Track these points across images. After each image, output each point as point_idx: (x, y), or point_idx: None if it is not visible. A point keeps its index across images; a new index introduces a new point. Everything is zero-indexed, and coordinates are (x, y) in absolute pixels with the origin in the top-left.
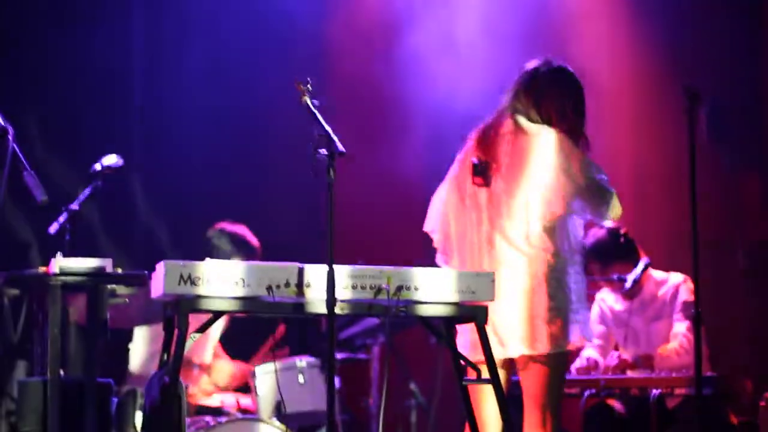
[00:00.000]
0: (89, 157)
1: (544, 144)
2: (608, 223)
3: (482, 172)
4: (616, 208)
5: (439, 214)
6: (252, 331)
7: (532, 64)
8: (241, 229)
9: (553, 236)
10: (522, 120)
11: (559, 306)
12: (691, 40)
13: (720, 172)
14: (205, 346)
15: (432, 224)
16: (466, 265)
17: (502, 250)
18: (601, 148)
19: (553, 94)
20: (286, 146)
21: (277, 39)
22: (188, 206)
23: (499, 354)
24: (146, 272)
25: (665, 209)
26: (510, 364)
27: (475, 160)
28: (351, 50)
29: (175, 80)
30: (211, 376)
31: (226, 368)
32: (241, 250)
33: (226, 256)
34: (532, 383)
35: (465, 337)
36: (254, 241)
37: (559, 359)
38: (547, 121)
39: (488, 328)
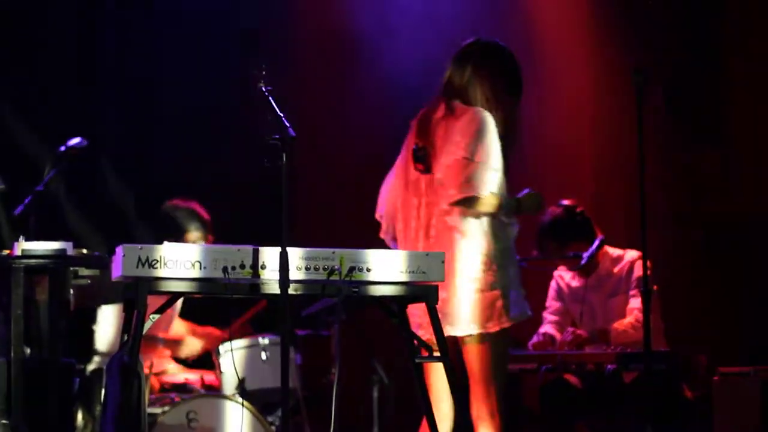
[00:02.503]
0: (61, 136)
1: (467, 124)
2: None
3: (422, 159)
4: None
5: (386, 202)
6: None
7: (464, 44)
8: (194, 204)
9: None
10: (456, 103)
11: (496, 285)
12: (648, 13)
13: (678, 147)
14: (170, 321)
15: (381, 210)
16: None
17: (440, 236)
18: (558, 125)
19: (485, 75)
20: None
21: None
22: (155, 185)
23: (446, 332)
24: (107, 254)
25: (622, 186)
26: (454, 341)
27: (415, 146)
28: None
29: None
30: (179, 351)
31: (194, 344)
32: (194, 223)
33: (181, 230)
34: (476, 360)
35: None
36: (205, 214)
37: (500, 336)
38: (481, 102)
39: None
